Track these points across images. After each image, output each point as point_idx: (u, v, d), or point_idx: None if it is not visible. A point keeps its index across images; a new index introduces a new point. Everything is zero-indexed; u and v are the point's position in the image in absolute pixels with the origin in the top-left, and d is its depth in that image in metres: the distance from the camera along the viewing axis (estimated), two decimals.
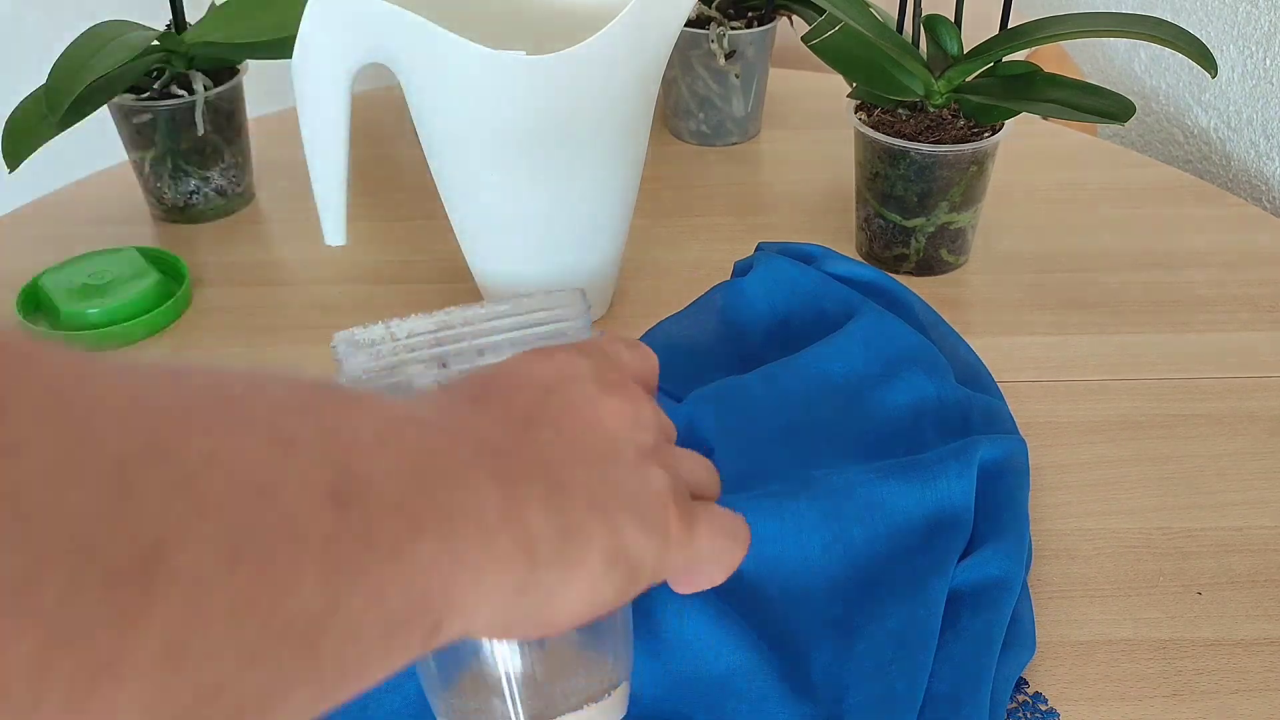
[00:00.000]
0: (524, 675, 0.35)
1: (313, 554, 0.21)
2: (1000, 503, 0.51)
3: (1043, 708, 0.45)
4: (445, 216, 0.67)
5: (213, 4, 0.78)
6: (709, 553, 0.33)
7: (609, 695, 0.36)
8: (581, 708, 0.35)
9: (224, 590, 0.19)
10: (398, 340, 0.37)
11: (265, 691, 0.21)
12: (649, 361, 0.37)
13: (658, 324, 0.65)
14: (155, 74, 0.78)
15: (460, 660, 0.36)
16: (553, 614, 0.29)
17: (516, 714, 0.35)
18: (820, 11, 0.79)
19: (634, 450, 0.32)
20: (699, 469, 0.35)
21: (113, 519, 0.18)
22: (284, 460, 0.22)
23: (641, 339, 0.65)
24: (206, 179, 0.79)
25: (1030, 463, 0.55)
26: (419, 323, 0.37)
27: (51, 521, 0.18)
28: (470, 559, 0.26)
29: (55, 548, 0.17)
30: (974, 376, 0.61)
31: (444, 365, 0.37)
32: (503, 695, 0.35)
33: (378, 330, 0.37)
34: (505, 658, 0.35)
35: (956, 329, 0.65)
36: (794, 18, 0.87)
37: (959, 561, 0.48)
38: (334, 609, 0.22)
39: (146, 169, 0.79)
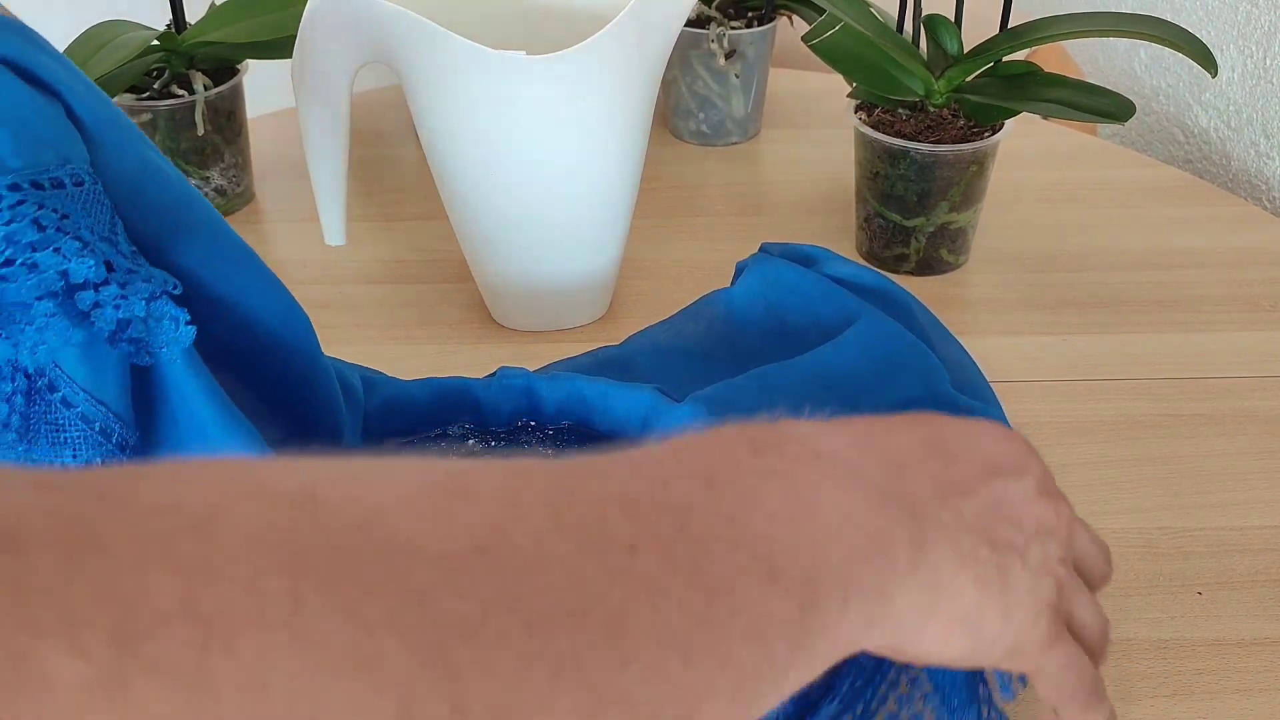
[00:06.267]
0: None
1: (783, 640, 0.26)
2: None
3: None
4: (445, 216, 0.67)
5: (213, 4, 0.78)
6: (1054, 676, 0.36)
7: None
8: None
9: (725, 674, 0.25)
10: None
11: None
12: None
13: (643, 330, 0.64)
14: (155, 74, 0.78)
15: None
16: (910, 649, 0.32)
17: None
18: (820, 11, 0.79)
19: (1039, 557, 0.34)
20: (1091, 613, 0.37)
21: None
22: (769, 584, 0.26)
23: (628, 340, 0.64)
24: (206, 179, 0.79)
25: None
26: None
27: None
28: (871, 613, 0.29)
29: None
30: (968, 383, 0.61)
31: None
32: None
33: None
34: None
35: (956, 329, 0.65)
36: (794, 18, 0.87)
37: None
38: (784, 672, 0.26)
39: None
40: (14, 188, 0.35)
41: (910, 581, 0.30)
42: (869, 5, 0.68)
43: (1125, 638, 0.48)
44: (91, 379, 0.36)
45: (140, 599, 0.17)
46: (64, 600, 0.16)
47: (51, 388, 0.36)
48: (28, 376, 0.35)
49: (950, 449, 0.34)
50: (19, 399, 0.35)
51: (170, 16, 0.77)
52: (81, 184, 0.37)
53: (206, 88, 0.77)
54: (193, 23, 0.77)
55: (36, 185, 0.36)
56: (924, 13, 0.70)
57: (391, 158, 0.89)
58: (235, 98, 0.79)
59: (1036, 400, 0.62)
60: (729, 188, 0.84)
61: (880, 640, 0.31)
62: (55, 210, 0.36)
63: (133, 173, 0.40)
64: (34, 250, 0.35)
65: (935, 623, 0.32)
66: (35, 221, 0.35)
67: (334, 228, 0.67)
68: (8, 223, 0.35)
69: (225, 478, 0.20)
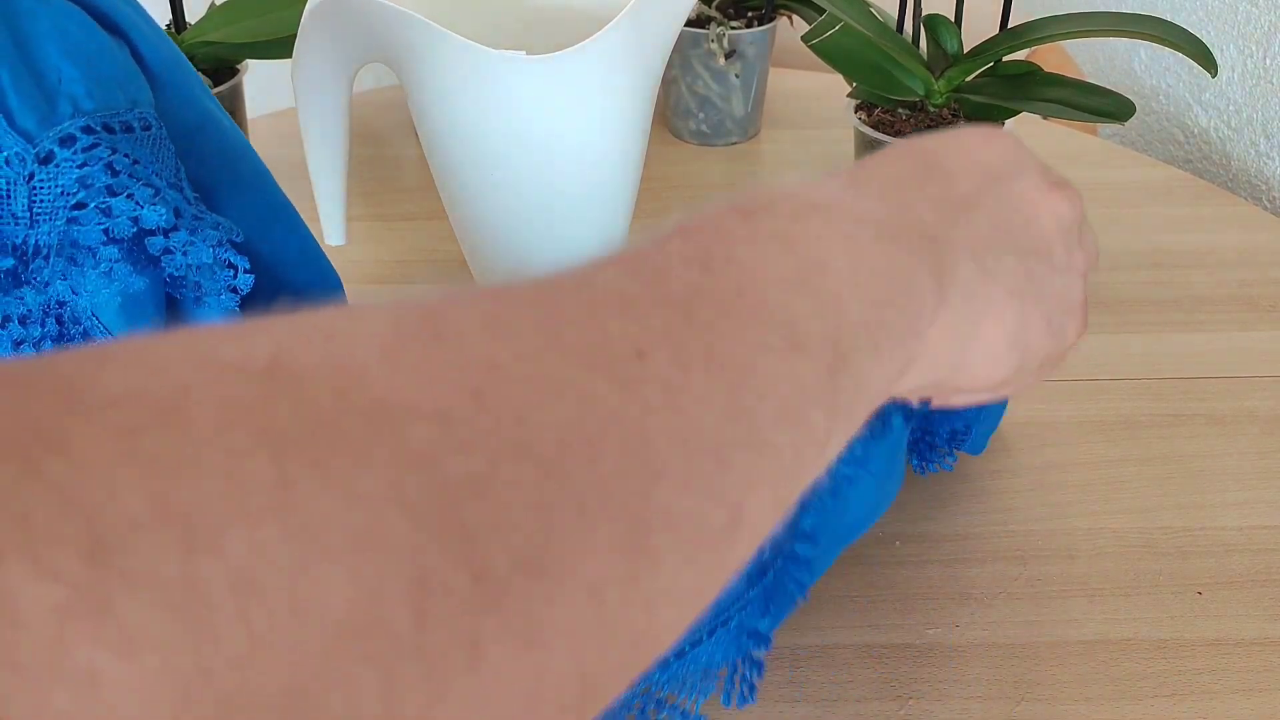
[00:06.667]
0: None
1: (818, 409, 0.25)
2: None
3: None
4: (445, 216, 0.67)
5: (213, 4, 0.78)
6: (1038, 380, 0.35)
7: None
8: None
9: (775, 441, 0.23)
10: None
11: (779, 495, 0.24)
12: None
13: None
14: None
15: None
16: (952, 383, 0.31)
17: None
18: (820, 11, 0.79)
19: (1064, 254, 0.33)
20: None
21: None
22: (793, 354, 0.24)
23: None
24: None
25: (1030, 462, 0.55)
26: None
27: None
28: (906, 355, 0.28)
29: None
30: None
31: None
32: None
33: None
34: None
35: None
36: (794, 18, 0.87)
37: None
38: (825, 441, 0.25)
39: None
40: (87, 130, 0.34)
41: (941, 312, 0.28)
42: (869, 5, 0.68)
43: (1125, 638, 0.48)
44: (128, 334, 0.35)
45: (109, 505, 0.15)
46: (24, 515, 0.14)
47: (86, 336, 0.35)
48: (60, 323, 0.35)
49: (945, 165, 0.32)
50: (49, 344, 0.35)
51: (170, 16, 0.77)
52: (149, 128, 0.36)
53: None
54: (193, 23, 0.77)
55: (108, 128, 0.35)
56: (924, 13, 0.70)
57: (391, 158, 0.89)
58: (235, 98, 0.79)
59: (1037, 400, 0.62)
60: (729, 188, 0.84)
61: (920, 381, 0.29)
62: (126, 155, 0.35)
63: (192, 120, 0.39)
64: (110, 195, 0.34)
65: (979, 347, 0.30)
66: (109, 166, 0.35)
67: (334, 228, 0.67)
68: (81, 165, 0.34)
69: (188, 355, 0.18)
